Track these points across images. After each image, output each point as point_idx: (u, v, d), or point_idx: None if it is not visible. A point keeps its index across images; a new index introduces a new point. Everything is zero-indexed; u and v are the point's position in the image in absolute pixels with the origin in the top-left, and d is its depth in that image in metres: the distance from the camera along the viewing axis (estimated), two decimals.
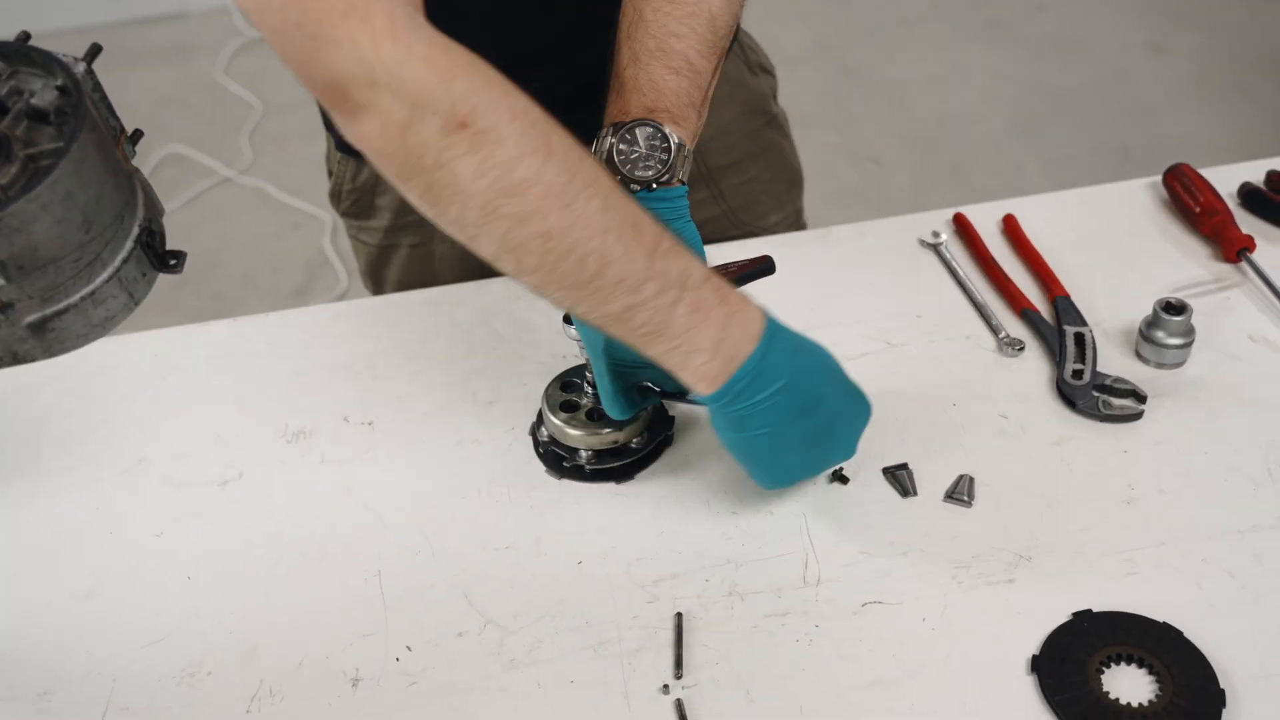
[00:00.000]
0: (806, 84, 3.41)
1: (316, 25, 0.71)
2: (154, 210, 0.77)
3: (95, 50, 0.74)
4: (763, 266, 1.02)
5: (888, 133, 3.26)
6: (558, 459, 1.02)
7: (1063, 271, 1.17)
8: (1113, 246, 1.22)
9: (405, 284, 1.33)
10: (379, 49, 0.72)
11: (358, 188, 1.29)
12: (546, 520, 0.99)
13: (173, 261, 0.77)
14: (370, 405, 1.10)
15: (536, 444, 1.04)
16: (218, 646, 0.91)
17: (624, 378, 0.96)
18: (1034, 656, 0.86)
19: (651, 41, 0.94)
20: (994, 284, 1.18)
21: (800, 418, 0.89)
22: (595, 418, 1.01)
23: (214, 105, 3.40)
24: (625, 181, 0.92)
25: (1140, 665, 0.86)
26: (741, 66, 1.32)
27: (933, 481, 0.99)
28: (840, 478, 1.00)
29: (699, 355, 0.84)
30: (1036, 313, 1.13)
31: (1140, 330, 1.08)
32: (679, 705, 0.85)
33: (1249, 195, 1.24)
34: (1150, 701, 0.83)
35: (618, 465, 1.01)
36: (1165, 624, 0.87)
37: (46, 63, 0.71)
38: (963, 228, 1.24)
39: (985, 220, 1.25)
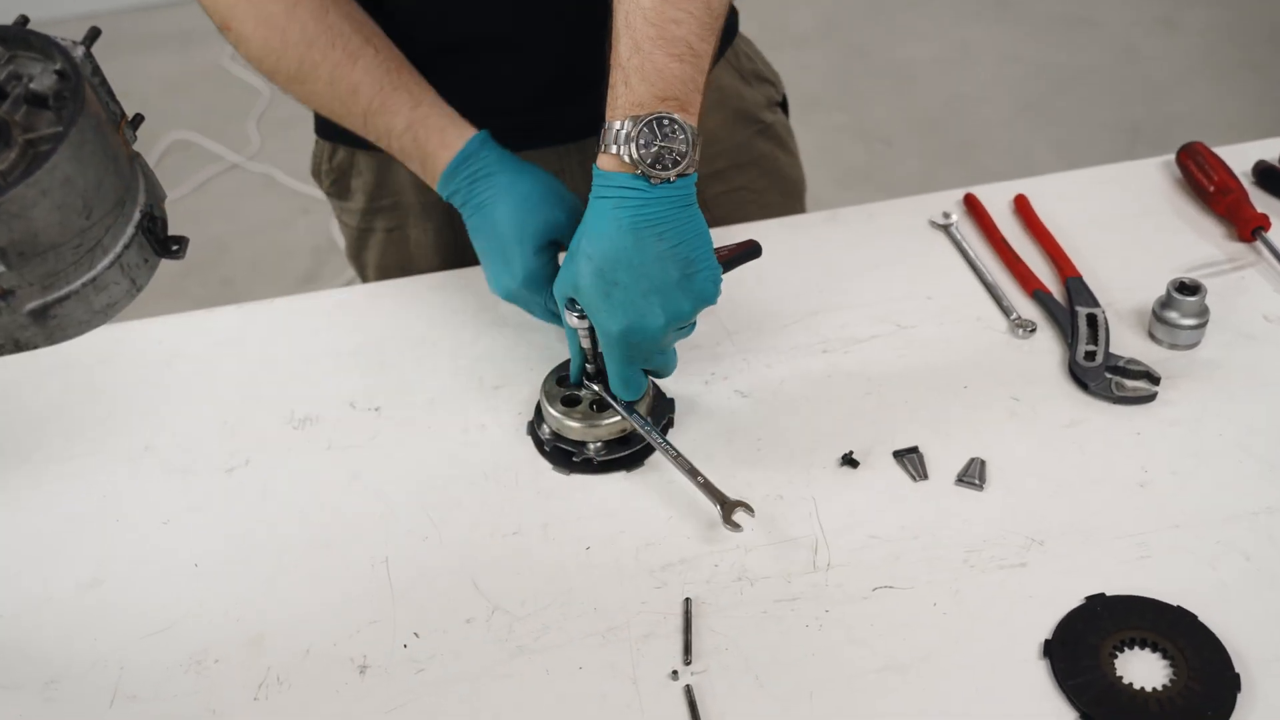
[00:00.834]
0: (814, 65, 3.40)
1: None
2: (155, 195, 0.77)
3: (94, 34, 0.73)
4: (749, 251, 1.01)
5: (896, 113, 3.24)
6: (565, 455, 1.01)
7: (1075, 252, 1.16)
8: (1126, 226, 1.21)
9: (383, 268, 1.34)
10: None
11: (334, 168, 1.32)
12: (554, 506, 0.98)
13: (175, 247, 0.76)
14: (377, 391, 1.09)
15: (539, 442, 1.02)
16: (225, 634, 0.91)
17: (636, 361, 0.97)
18: (1046, 641, 0.85)
19: (652, 29, 0.93)
20: (1005, 265, 1.17)
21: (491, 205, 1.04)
22: (598, 408, 1.01)
23: (221, 91, 3.40)
24: (647, 175, 0.91)
25: (1154, 649, 0.85)
26: (733, 74, 1.31)
27: (944, 465, 0.98)
28: (850, 461, 0.99)
29: (420, 162, 1.08)
30: (1048, 294, 1.12)
31: (1153, 311, 1.07)
32: (688, 691, 0.84)
33: (1264, 173, 1.23)
34: (1164, 686, 0.82)
35: (627, 454, 1.00)
36: (1179, 607, 0.86)
37: (45, 47, 0.70)
38: (973, 208, 1.23)
39: (996, 201, 1.24)
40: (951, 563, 0.91)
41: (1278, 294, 1.12)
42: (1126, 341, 1.08)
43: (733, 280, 1.00)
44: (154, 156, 3.18)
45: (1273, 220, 1.16)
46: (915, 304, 1.14)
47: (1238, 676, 0.82)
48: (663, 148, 0.91)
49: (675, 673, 0.86)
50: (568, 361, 1.04)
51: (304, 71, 1.07)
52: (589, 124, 0.96)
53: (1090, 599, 0.87)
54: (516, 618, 0.90)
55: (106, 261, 0.72)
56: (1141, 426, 1.01)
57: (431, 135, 1.06)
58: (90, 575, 0.96)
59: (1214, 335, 1.07)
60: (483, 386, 1.09)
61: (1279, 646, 0.84)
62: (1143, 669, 0.84)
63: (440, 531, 0.97)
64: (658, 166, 0.90)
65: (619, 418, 0.99)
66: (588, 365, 1.01)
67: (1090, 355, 1.05)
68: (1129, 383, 1.03)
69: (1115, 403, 1.02)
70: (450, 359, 1.12)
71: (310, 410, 1.08)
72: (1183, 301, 1.05)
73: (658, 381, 1.06)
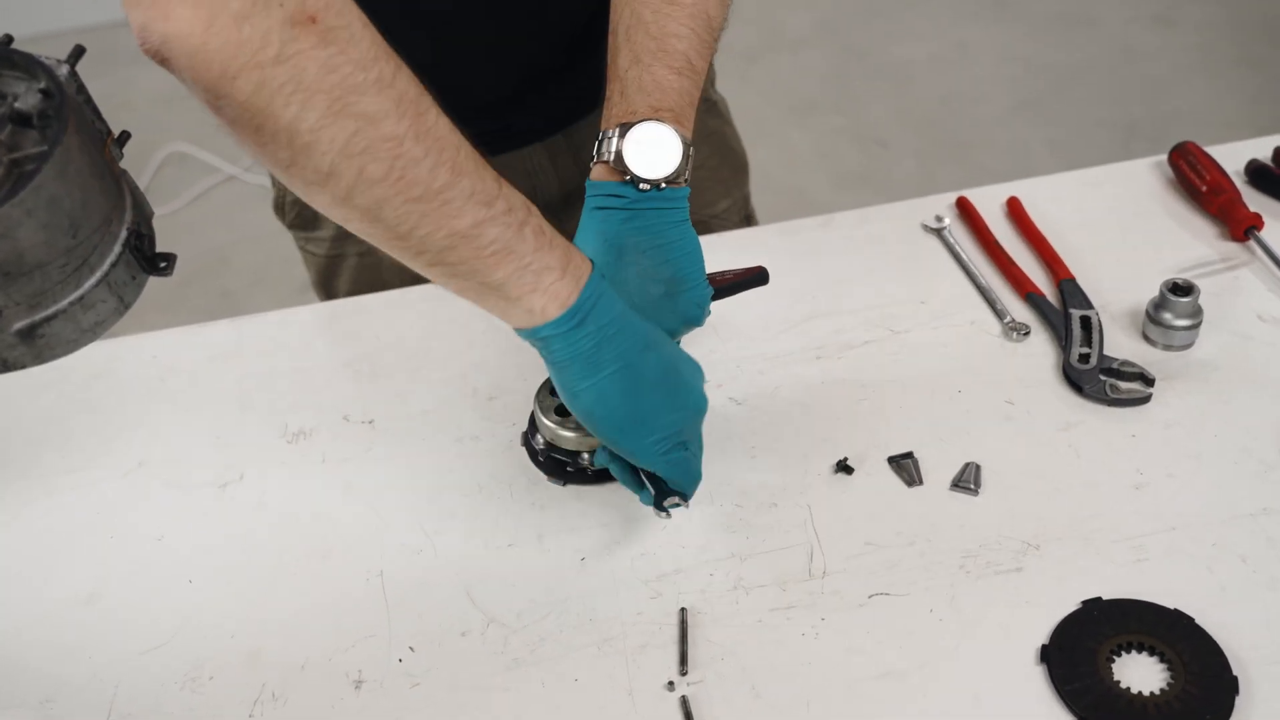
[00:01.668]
0: (810, 66, 3.39)
1: None
2: (143, 213, 0.76)
3: (79, 52, 0.73)
4: (756, 276, 1.01)
5: (892, 114, 3.24)
6: (560, 465, 1.00)
7: (1068, 254, 1.16)
8: (1118, 228, 1.21)
9: (356, 293, 1.31)
10: None
11: (299, 199, 1.28)
12: (548, 516, 0.98)
13: (163, 264, 0.76)
14: (370, 403, 1.09)
15: (533, 453, 1.02)
16: (220, 650, 0.91)
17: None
18: (1043, 646, 0.85)
19: (652, 43, 0.93)
20: (998, 268, 1.17)
21: (648, 350, 0.86)
22: None
23: None
24: (634, 181, 0.90)
25: (1152, 653, 0.84)
26: None
27: (939, 470, 0.98)
28: (845, 468, 0.99)
29: (550, 274, 0.81)
30: (1042, 296, 1.12)
31: (1147, 312, 1.07)
32: (684, 702, 0.84)
33: (1256, 173, 1.22)
34: (1162, 690, 0.82)
35: None
36: (1176, 611, 0.86)
37: (29, 65, 0.70)
38: (966, 212, 1.23)
39: (989, 203, 1.24)
40: (948, 568, 0.91)
41: (1271, 293, 1.11)
42: (1120, 343, 1.07)
43: None
44: (150, 169, 3.18)
45: (1266, 219, 1.16)
46: (909, 309, 1.13)
47: (1236, 679, 0.82)
48: (652, 155, 0.91)
49: (671, 683, 0.85)
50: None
51: (426, 101, 0.77)
52: (564, 115, 0.95)
53: (1087, 603, 0.87)
54: (512, 630, 0.90)
55: (94, 280, 0.72)
56: (1137, 429, 1.00)
57: (558, 240, 0.84)
58: (85, 591, 0.96)
59: (1208, 336, 1.07)
60: (477, 398, 1.09)
61: (1277, 648, 0.84)
62: (1140, 673, 0.84)
63: (435, 544, 0.97)
64: (646, 173, 0.90)
65: None
66: None
67: (1084, 358, 1.05)
68: (1123, 385, 1.02)
69: (1110, 405, 1.02)
70: (444, 371, 1.12)
71: (304, 424, 1.08)
72: (1176, 302, 1.05)
73: None
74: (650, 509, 0.91)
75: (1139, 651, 0.85)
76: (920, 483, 0.98)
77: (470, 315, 1.16)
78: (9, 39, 0.73)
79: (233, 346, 1.17)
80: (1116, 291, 1.12)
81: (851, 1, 3.66)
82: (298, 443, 1.07)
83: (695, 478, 0.91)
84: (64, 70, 0.71)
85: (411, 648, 0.89)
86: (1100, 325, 1.08)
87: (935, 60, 3.41)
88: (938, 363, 1.08)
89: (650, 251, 0.91)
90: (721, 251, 1.06)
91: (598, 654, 0.88)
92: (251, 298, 2.83)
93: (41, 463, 1.07)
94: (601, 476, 0.99)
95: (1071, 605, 0.87)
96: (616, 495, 0.99)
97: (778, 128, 3.08)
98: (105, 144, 0.74)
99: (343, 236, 1.28)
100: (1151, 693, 0.82)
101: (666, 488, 0.90)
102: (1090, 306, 1.10)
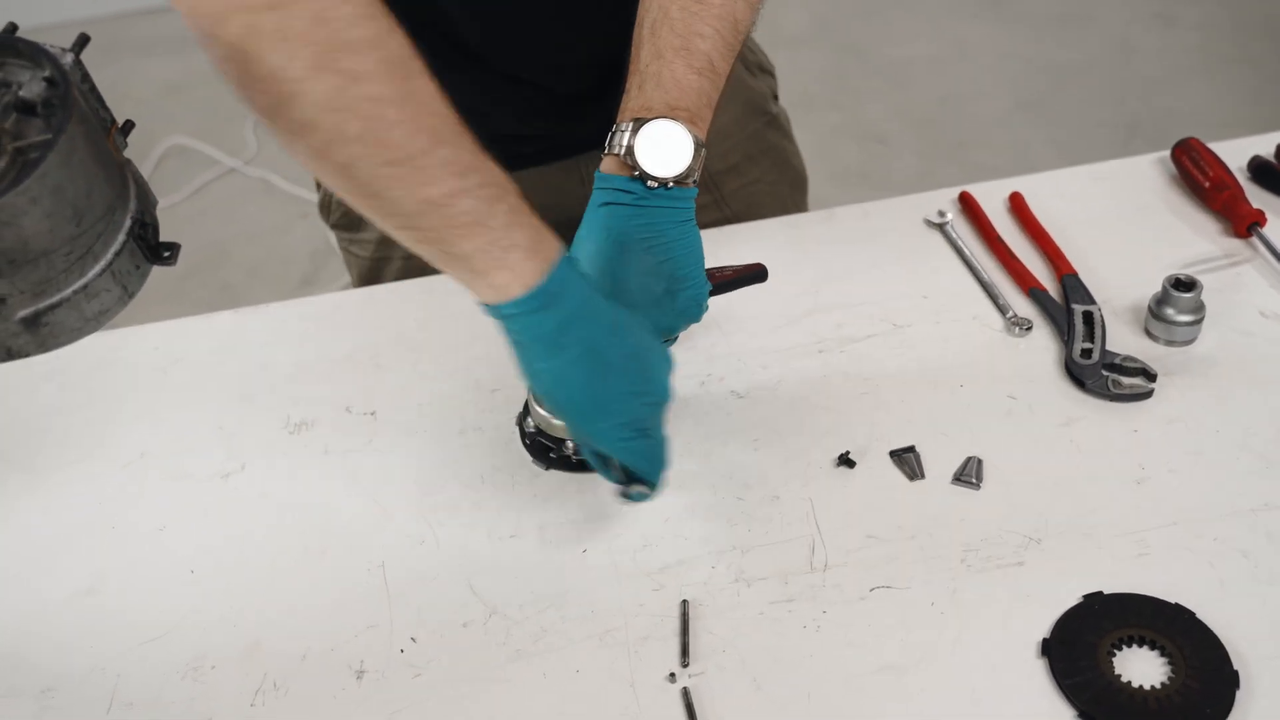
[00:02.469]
0: (808, 64, 3.39)
1: None
2: (146, 202, 0.76)
3: (83, 41, 0.73)
4: (754, 274, 1.01)
5: (891, 112, 3.24)
6: (544, 449, 1.01)
7: (1070, 249, 1.16)
8: (1121, 223, 1.21)
9: None
10: None
11: None
12: (550, 508, 0.98)
13: (166, 254, 0.76)
14: (372, 395, 1.09)
15: (523, 434, 1.03)
16: (221, 640, 0.91)
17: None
18: (1044, 640, 0.85)
19: (677, 40, 0.93)
20: (1001, 263, 1.17)
21: (613, 336, 0.85)
22: None
23: (218, 96, 3.37)
24: (643, 178, 0.90)
25: (1152, 647, 0.85)
26: (740, 66, 1.31)
27: (940, 464, 0.98)
28: (847, 461, 0.99)
29: (517, 252, 0.80)
30: (1044, 291, 1.12)
31: (1150, 307, 1.07)
32: (686, 694, 0.84)
33: (1259, 169, 1.23)
34: (1163, 684, 0.82)
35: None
36: (1177, 605, 0.86)
37: (34, 54, 0.70)
38: (968, 207, 1.23)
39: (991, 199, 1.24)
40: (949, 562, 0.91)
41: (1274, 289, 1.11)
42: (1123, 338, 1.08)
43: None
44: (151, 161, 3.18)
45: (1268, 216, 1.16)
46: (911, 303, 1.13)
47: (1236, 674, 0.82)
48: (664, 153, 0.90)
49: (673, 675, 0.85)
50: None
51: (415, 64, 0.77)
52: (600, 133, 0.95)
53: (1088, 597, 0.87)
54: (514, 621, 0.90)
55: (98, 269, 0.72)
56: (1138, 424, 1.01)
57: (531, 222, 0.84)
58: (86, 582, 0.96)
59: (1210, 331, 1.07)
60: (479, 390, 1.09)
61: (1277, 643, 0.84)
62: (1141, 667, 0.84)
63: (437, 535, 0.97)
64: (655, 171, 0.90)
65: None
66: None
67: (1086, 353, 1.05)
68: (1125, 380, 1.03)
69: (1112, 400, 1.02)
70: (446, 363, 1.12)
71: (306, 415, 1.08)
72: (1179, 298, 1.05)
73: None
74: (623, 499, 0.92)
75: (1140, 645, 0.85)
76: (922, 477, 0.98)
77: (473, 308, 1.16)
78: (13, 27, 0.73)
79: (235, 338, 1.17)
80: (1119, 287, 1.12)
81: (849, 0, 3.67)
82: (300, 434, 1.07)
83: (658, 466, 0.90)
84: (68, 59, 0.71)
85: (413, 638, 0.89)
86: (1102, 320, 1.08)
87: (934, 59, 3.41)
88: (940, 357, 1.08)
89: (653, 249, 0.91)
90: (724, 247, 1.06)
91: (599, 645, 0.88)
92: (251, 291, 2.83)
93: (43, 453, 1.07)
94: (582, 465, 1.00)
95: (1073, 599, 0.87)
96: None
97: None
98: (109, 133, 0.75)
99: (389, 239, 1.27)
100: (1152, 686, 0.82)
101: (634, 476, 0.90)
102: (1092, 302, 1.10)
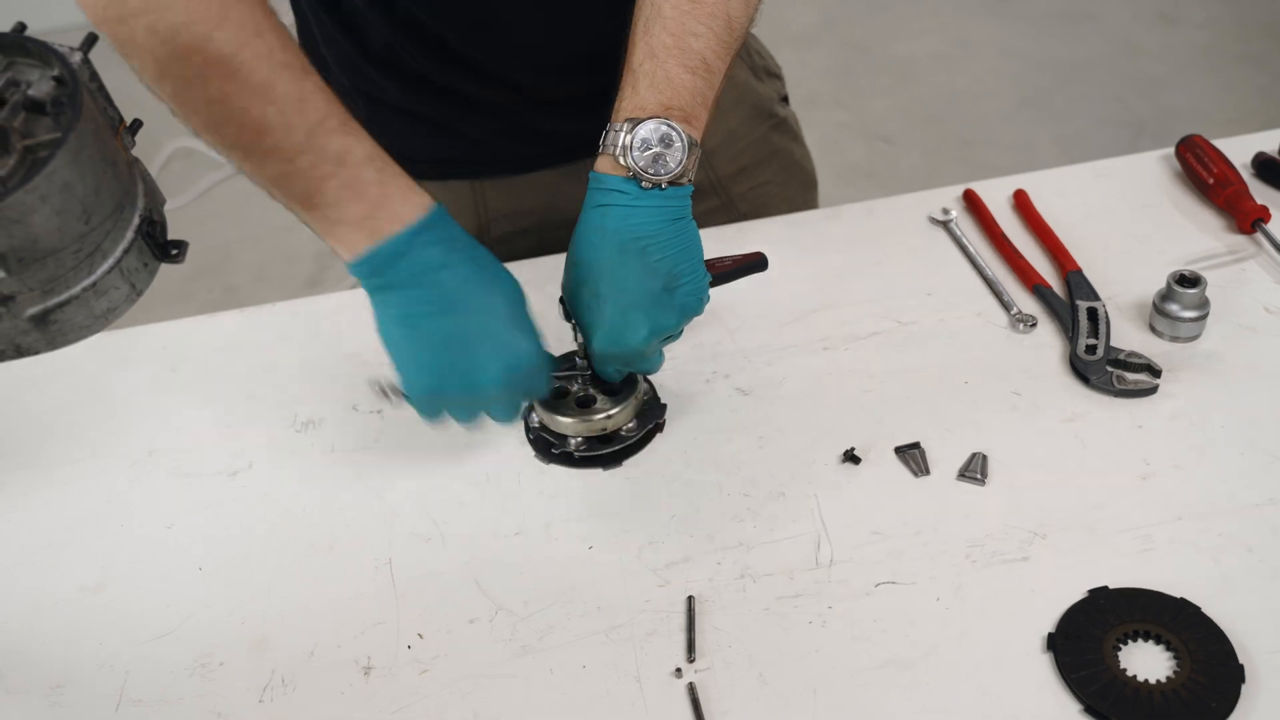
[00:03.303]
0: (814, 62, 3.40)
1: None
2: (154, 200, 0.77)
3: (91, 40, 0.74)
4: (755, 263, 1.01)
5: (896, 110, 3.24)
6: (546, 444, 1.02)
7: (1075, 246, 1.16)
8: (1125, 220, 1.21)
9: None
10: None
11: None
12: (556, 505, 0.98)
13: (174, 251, 0.76)
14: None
15: (527, 429, 1.04)
16: (229, 637, 0.91)
17: (619, 365, 0.99)
18: (1050, 635, 0.85)
19: (670, 39, 0.93)
20: (1005, 260, 1.17)
21: (442, 317, 0.91)
22: (585, 404, 1.01)
23: None
24: (637, 178, 0.91)
25: (1158, 642, 0.85)
26: (746, 71, 1.31)
27: (945, 460, 0.98)
28: (852, 458, 0.99)
29: (344, 226, 0.91)
30: (1049, 288, 1.12)
31: (1154, 304, 1.07)
32: (692, 689, 0.84)
33: (1263, 165, 1.23)
34: (1168, 678, 0.82)
35: (606, 452, 1.01)
36: (1182, 600, 0.86)
37: (43, 53, 0.71)
38: (973, 204, 1.23)
39: (996, 196, 1.24)
40: (954, 558, 0.91)
41: (1278, 285, 1.11)
42: (1127, 335, 1.08)
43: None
44: (157, 164, 3.19)
45: (1273, 212, 1.16)
46: (916, 300, 1.14)
47: (1241, 668, 0.82)
48: (657, 153, 0.91)
49: (679, 670, 0.86)
50: (564, 356, 1.04)
51: (238, 60, 0.86)
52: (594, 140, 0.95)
53: (1093, 592, 0.87)
54: (520, 618, 0.90)
55: (106, 266, 0.72)
56: (1143, 419, 1.01)
57: (399, 178, 0.92)
58: (95, 579, 0.96)
59: (1215, 328, 1.07)
60: None
61: None
62: (1146, 661, 0.84)
63: (443, 532, 0.97)
64: (649, 170, 0.90)
65: (602, 417, 1.00)
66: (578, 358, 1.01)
67: (1091, 349, 1.05)
68: (1130, 376, 1.03)
69: (1116, 396, 1.02)
70: None
71: (313, 413, 1.09)
72: (1183, 294, 1.05)
73: (656, 381, 1.06)
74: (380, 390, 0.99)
75: (1145, 640, 0.85)
76: (927, 473, 0.98)
77: None
78: (22, 27, 0.74)
79: (242, 337, 1.18)
80: (1123, 283, 1.12)
81: None
82: (307, 432, 1.07)
83: (426, 411, 0.96)
84: (77, 58, 0.71)
85: (420, 635, 0.90)
86: (1107, 317, 1.08)
87: (939, 56, 3.41)
88: (944, 354, 1.08)
89: (650, 248, 0.91)
90: (728, 246, 1.06)
91: (606, 641, 0.88)
92: (256, 293, 2.84)
93: (52, 451, 1.08)
94: (584, 461, 1.01)
95: (1078, 594, 0.87)
96: (624, 484, 0.99)
97: None
98: (117, 132, 0.75)
99: None
100: (1158, 681, 0.82)
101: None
102: (1097, 298, 1.10)
